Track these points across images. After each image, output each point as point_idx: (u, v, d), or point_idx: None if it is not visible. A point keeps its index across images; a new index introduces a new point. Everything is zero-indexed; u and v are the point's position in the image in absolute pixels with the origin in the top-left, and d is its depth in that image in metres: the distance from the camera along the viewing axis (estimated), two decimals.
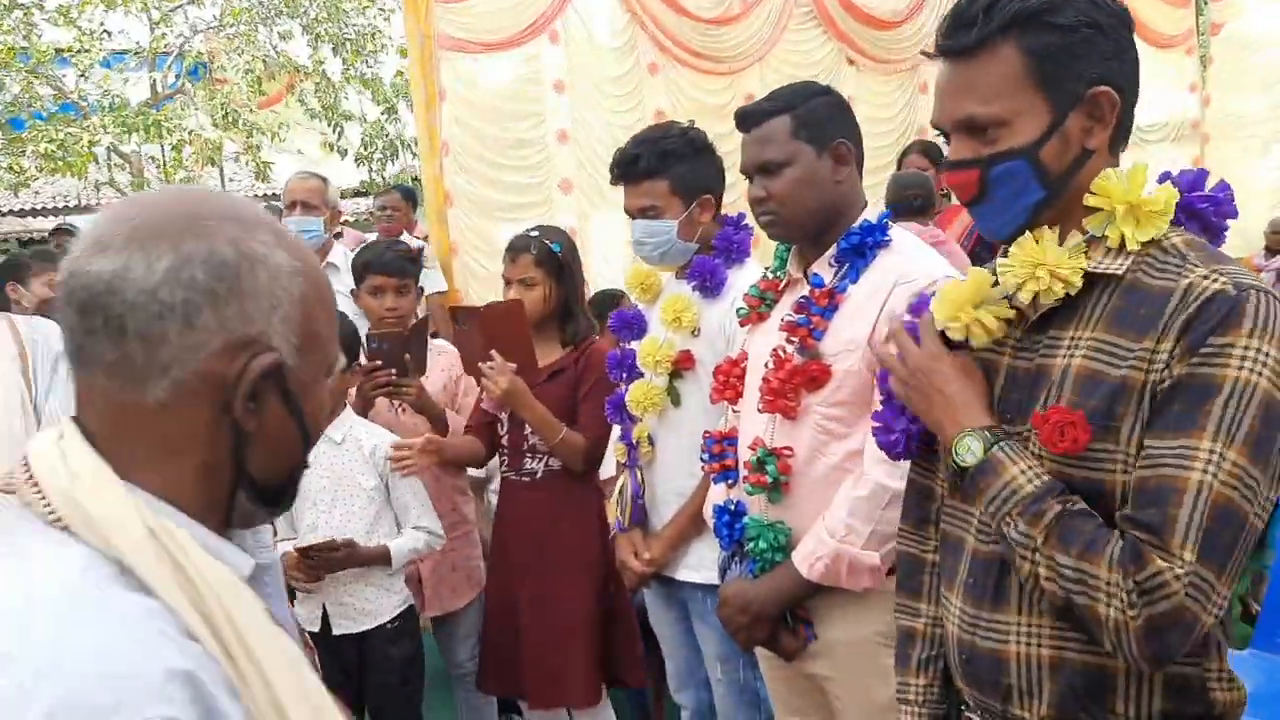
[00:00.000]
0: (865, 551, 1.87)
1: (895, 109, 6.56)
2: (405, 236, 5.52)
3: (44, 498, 0.79)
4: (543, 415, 2.64)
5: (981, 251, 4.25)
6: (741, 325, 2.19)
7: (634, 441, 2.50)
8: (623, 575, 2.55)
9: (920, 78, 6.79)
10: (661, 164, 2.39)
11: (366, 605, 2.63)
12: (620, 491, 2.52)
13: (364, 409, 2.81)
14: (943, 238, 3.89)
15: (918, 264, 1.92)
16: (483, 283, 5.63)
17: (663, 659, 2.73)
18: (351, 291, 3.04)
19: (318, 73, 10.89)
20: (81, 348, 0.81)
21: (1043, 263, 1.26)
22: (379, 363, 2.72)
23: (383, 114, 11.14)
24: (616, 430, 2.61)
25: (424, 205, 6.33)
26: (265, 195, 12.96)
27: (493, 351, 2.59)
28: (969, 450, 1.28)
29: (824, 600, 1.96)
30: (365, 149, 11.36)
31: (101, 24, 10.75)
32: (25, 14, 10.57)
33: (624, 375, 2.55)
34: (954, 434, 1.30)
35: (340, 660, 2.62)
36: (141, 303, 0.78)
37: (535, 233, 2.84)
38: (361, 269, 2.97)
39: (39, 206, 13.86)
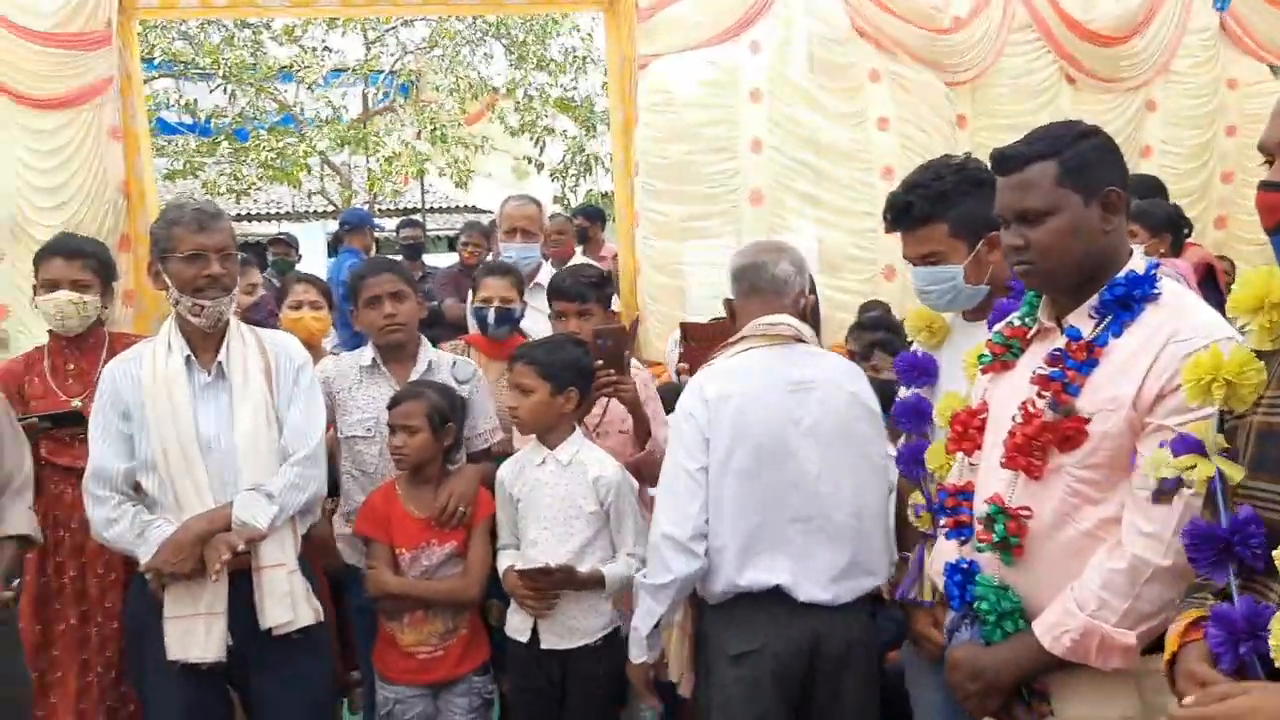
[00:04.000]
0: (1119, 630, 1.72)
1: (1115, 130, 6.15)
2: (578, 256, 5.65)
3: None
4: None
5: (1207, 285, 3.98)
6: (983, 373, 2.06)
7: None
8: (920, 647, 2.40)
9: (1146, 95, 6.25)
10: (937, 208, 2.26)
11: (574, 623, 2.68)
12: (930, 562, 2.26)
13: (587, 409, 2.88)
14: (1183, 269, 3.63)
15: (1193, 322, 1.75)
16: (661, 302, 5.58)
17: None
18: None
19: (514, 93, 11.26)
20: (758, 290, 2.47)
21: None
22: (600, 362, 2.82)
23: (583, 131, 11.40)
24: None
25: (615, 224, 6.40)
26: (465, 207, 13.51)
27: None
28: None
29: (1066, 675, 1.81)
30: (562, 165, 11.66)
31: (323, 42, 11.48)
32: (255, 33, 11.40)
33: (920, 426, 2.34)
34: None
35: (546, 672, 2.70)
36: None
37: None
38: (549, 294, 3.13)
39: (255, 212, 14.99)
